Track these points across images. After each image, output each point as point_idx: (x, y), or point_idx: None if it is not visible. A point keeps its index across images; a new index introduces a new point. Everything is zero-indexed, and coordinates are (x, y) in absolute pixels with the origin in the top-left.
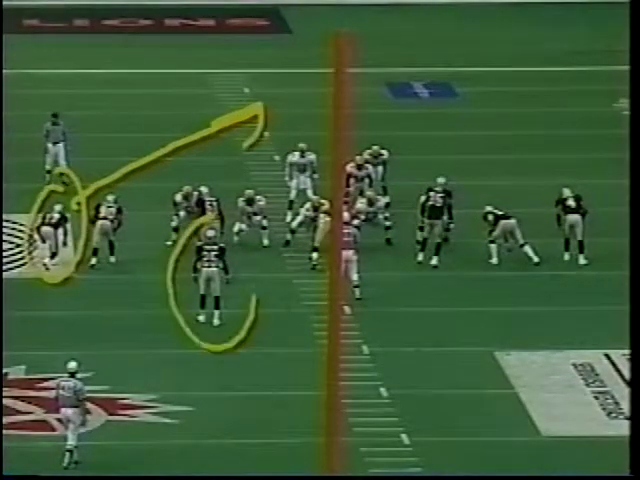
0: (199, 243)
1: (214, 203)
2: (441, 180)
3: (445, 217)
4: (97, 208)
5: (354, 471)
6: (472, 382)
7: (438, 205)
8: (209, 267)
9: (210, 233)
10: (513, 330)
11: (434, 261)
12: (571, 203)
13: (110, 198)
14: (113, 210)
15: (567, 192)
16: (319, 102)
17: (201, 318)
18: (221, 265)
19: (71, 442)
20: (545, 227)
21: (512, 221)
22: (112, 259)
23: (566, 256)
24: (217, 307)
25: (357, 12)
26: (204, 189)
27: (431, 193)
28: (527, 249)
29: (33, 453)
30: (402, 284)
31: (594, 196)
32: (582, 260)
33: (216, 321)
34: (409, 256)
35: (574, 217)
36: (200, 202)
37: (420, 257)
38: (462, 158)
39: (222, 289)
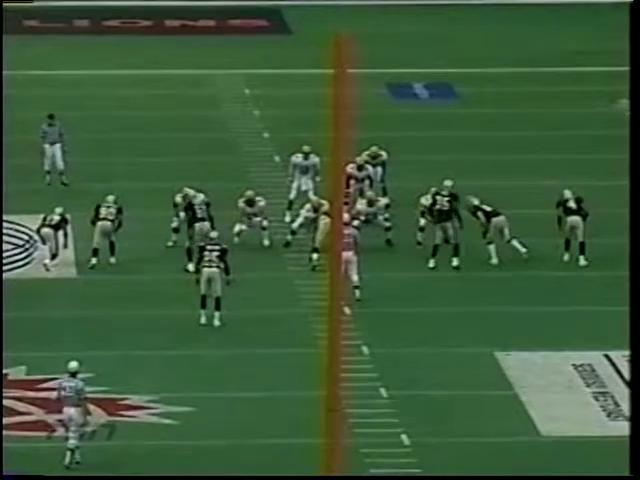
0: (201, 243)
1: (203, 206)
2: (448, 183)
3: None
4: (97, 209)
5: (354, 472)
6: (472, 383)
7: (445, 209)
8: (210, 267)
9: (213, 234)
10: (513, 331)
11: (455, 262)
12: (572, 205)
13: (110, 198)
14: (113, 210)
15: (568, 194)
16: (319, 103)
17: (202, 320)
18: (222, 266)
19: (73, 441)
20: (545, 227)
21: (502, 218)
22: (112, 260)
23: (566, 256)
24: (218, 308)
25: (357, 13)
26: (190, 191)
27: (437, 197)
28: (514, 243)
29: (33, 454)
30: (402, 285)
31: (594, 197)
32: (582, 261)
33: (217, 322)
34: (409, 257)
35: (575, 219)
36: (189, 206)
37: (431, 263)
38: (462, 158)
39: (223, 290)
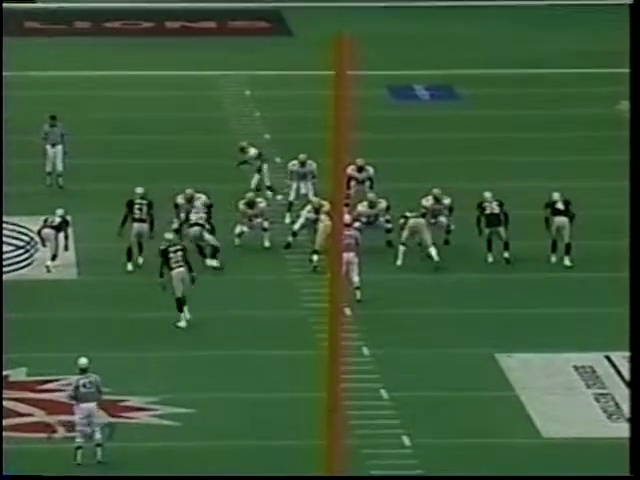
0: (162, 247)
1: (144, 207)
2: (487, 194)
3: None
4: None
5: (355, 473)
6: (473, 384)
7: (496, 212)
8: (179, 267)
9: (168, 235)
10: (514, 332)
11: (506, 255)
12: (560, 206)
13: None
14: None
15: (556, 196)
16: (320, 104)
17: (182, 324)
18: (187, 265)
19: (98, 436)
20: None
21: (421, 221)
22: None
23: (553, 258)
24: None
25: (358, 14)
26: (139, 189)
27: (485, 204)
28: (431, 250)
29: (33, 454)
30: (403, 286)
31: (595, 198)
32: (567, 262)
33: (187, 315)
34: (410, 258)
35: (561, 219)
36: (129, 204)
37: (490, 258)
38: (463, 160)
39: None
